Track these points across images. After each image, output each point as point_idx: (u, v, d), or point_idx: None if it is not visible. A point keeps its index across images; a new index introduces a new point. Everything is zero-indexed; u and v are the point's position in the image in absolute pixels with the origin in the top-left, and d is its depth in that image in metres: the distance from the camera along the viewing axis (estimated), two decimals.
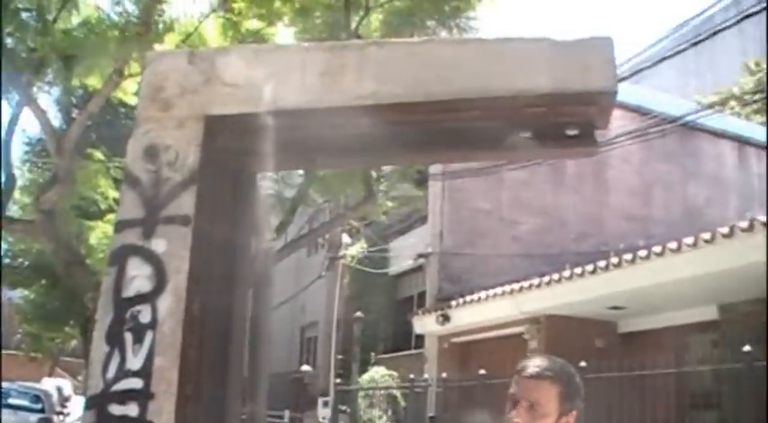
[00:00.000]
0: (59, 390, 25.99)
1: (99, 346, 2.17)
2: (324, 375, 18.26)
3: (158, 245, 2.20)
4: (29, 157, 24.30)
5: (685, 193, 21.94)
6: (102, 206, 14.51)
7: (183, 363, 2.17)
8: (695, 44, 12.25)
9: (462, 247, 18.95)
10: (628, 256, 12.09)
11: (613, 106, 2.10)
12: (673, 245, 11.24)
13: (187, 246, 2.17)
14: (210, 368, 2.24)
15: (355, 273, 22.30)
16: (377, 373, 18.18)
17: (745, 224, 10.21)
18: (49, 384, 26.08)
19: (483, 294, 15.67)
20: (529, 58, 2.05)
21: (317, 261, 23.24)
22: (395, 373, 17.80)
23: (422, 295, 20.01)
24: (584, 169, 20.50)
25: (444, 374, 14.17)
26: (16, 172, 13.93)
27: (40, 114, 11.64)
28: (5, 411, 18.44)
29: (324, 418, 17.67)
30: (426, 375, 15.55)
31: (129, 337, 2.18)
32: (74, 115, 16.17)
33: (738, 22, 12.38)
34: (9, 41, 11.17)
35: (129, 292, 2.19)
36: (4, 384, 18.81)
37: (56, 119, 19.42)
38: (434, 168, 18.01)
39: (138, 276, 2.20)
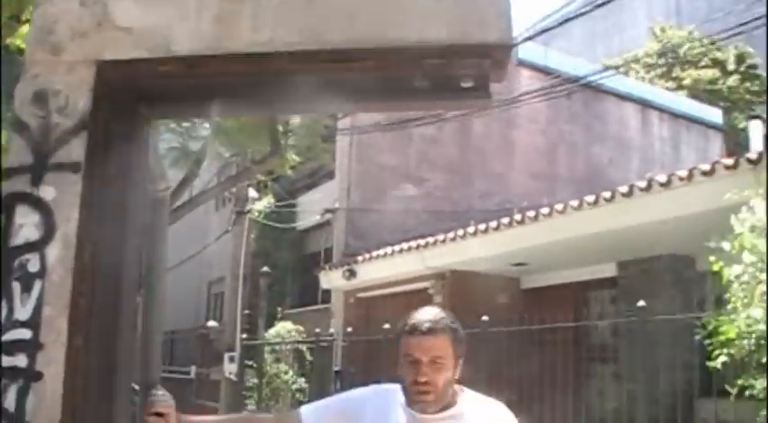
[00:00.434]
0: None
1: None
2: (230, 331, 18.14)
3: (47, 192, 2.14)
4: None
5: (589, 153, 22.39)
6: None
7: (73, 312, 2.14)
8: (600, 6, 12.42)
9: (369, 203, 19.00)
10: (531, 214, 12.31)
11: (509, 59, 2.12)
12: (574, 202, 11.48)
13: (77, 193, 2.13)
14: (101, 319, 2.20)
15: (262, 228, 22.17)
16: (283, 328, 18.18)
17: (643, 184, 10.48)
18: None
19: (389, 250, 15.78)
20: (426, 10, 2.05)
21: (225, 216, 23.02)
22: (301, 328, 17.83)
23: (329, 251, 20.03)
24: (491, 128, 20.70)
25: (350, 329, 14.27)
26: None
27: None
28: None
29: (230, 373, 17.61)
30: (332, 330, 15.63)
31: (17, 286, 2.13)
32: None
33: None
34: None
35: (17, 240, 2.14)
36: None
37: None
38: (342, 123, 17.96)
39: (27, 224, 2.14)
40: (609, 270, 12.91)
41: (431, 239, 14.54)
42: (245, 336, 17.95)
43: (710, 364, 6.23)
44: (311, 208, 20.55)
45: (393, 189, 19.26)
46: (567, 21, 13.22)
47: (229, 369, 17.63)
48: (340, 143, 18.98)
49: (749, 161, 8.77)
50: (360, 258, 16.85)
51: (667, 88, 28.06)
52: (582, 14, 13.00)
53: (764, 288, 5.96)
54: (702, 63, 30.30)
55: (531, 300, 13.25)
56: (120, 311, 2.28)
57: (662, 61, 31.17)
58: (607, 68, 20.51)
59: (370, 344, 13.68)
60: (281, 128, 9.77)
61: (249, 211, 19.06)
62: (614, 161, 22.51)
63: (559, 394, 9.52)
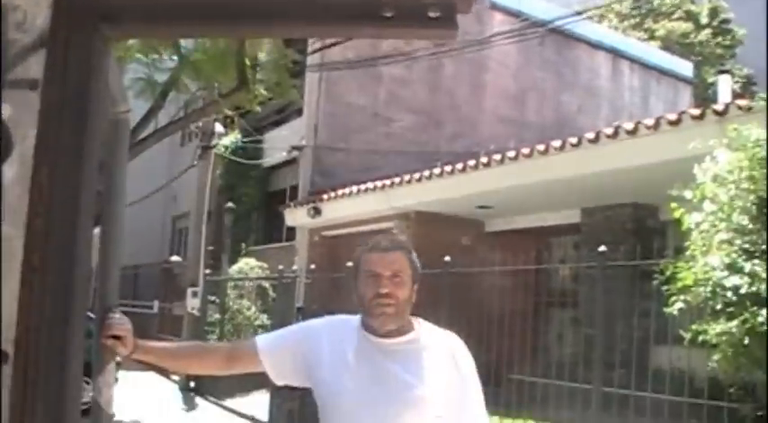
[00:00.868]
0: None
1: None
2: (193, 266, 18.10)
3: (4, 109, 2.10)
4: None
5: (559, 100, 22.44)
6: None
7: (30, 231, 2.11)
8: None
9: (336, 142, 18.97)
10: (497, 157, 12.35)
11: None
12: (541, 147, 11.52)
13: (34, 111, 2.09)
14: (58, 240, 2.18)
15: (228, 163, 22.06)
16: (247, 264, 18.22)
17: (610, 131, 10.53)
18: None
19: (355, 189, 15.80)
20: None
21: (191, 151, 22.85)
22: (265, 265, 17.87)
23: (294, 188, 20.01)
24: (461, 71, 20.65)
25: (313, 266, 14.32)
26: None
27: None
28: None
29: (193, 309, 17.63)
30: (295, 267, 15.68)
31: None
32: None
33: None
34: None
35: None
36: None
37: None
38: (312, 59, 17.81)
39: None
40: (573, 216, 13.04)
41: (397, 179, 14.57)
42: (208, 271, 17.95)
43: (667, 310, 6.33)
44: (278, 145, 20.45)
45: (361, 128, 19.21)
46: None
47: (192, 304, 17.64)
48: (309, 80, 18.84)
49: (716, 112, 8.83)
50: (325, 197, 16.87)
51: (640, 39, 28.08)
52: None
53: (723, 237, 6.05)
54: (676, 15, 30.35)
55: (494, 243, 13.35)
56: (76, 236, 2.26)
57: (635, 12, 31.16)
58: (579, 14, 20.44)
59: (332, 281, 13.74)
60: (248, 62, 9.63)
61: (215, 147, 18.92)
62: (583, 109, 22.59)
63: (518, 336, 9.65)
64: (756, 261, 5.80)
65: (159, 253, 29.30)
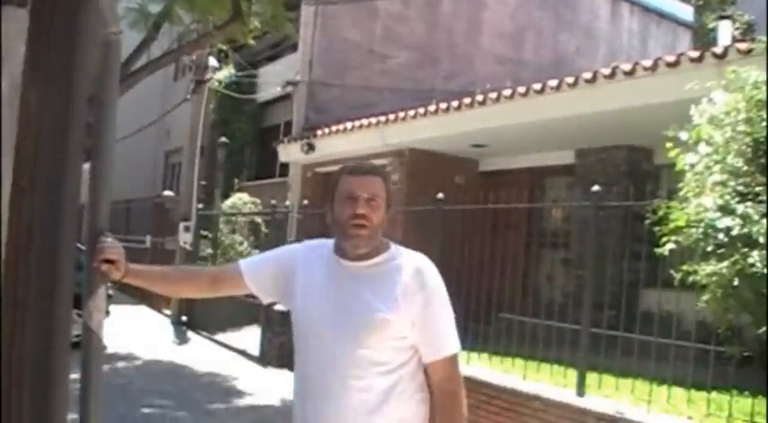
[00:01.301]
0: None
1: None
2: (186, 201, 18.08)
3: None
4: None
5: (557, 40, 22.24)
6: None
7: (19, 154, 2.09)
8: None
9: (331, 78, 18.81)
10: (493, 95, 12.26)
11: None
12: (537, 86, 11.43)
13: (23, 29, 2.05)
14: (47, 162, 2.16)
15: (222, 98, 21.89)
16: (239, 199, 18.19)
17: (607, 72, 10.44)
18: None
19: (349, 125, 15.72)
20: None
21: (184, 85, 22.64)
22: (258, 200, 17.84)
23: (288, 124, 19.88)
24: (459, 8, 20.43)
25: (306, 202, 14.30)
26: None
27: None
28: None
29: (185, 243, 17.65)
30: (288, 203, 15.65)
31: None
32: None
33: None
34: None
35: None
36: None
37: None
38: None
39: None
40: (567, 157, 13.02)
41: (391, 116, 14.49)
42: (200, 206, 17.94)
43: (658, 250, 6.33)
44: (273, 80, 20.27)
45: (356, 65, 19.05)
46: None
47: (184, 238, 17.68)
48: (304, 14, 18.61)
49: (715, 55, 8.75)
50: (319, 132, 16.78)
51: None
52: None
53: (716, 178, 6.03)
54: None
55: (488, 182, 13.34)
56: (65, 160, 2.23)
57: None
58: None
59: (324, 217, 13.70)
60: None
61: (209, 81, 18.76)
62: (581, 50, 22.40)
63: (509, 276, 9.67)
64: (749, 203, 5.78)
65: (152, 188, 29.24)
